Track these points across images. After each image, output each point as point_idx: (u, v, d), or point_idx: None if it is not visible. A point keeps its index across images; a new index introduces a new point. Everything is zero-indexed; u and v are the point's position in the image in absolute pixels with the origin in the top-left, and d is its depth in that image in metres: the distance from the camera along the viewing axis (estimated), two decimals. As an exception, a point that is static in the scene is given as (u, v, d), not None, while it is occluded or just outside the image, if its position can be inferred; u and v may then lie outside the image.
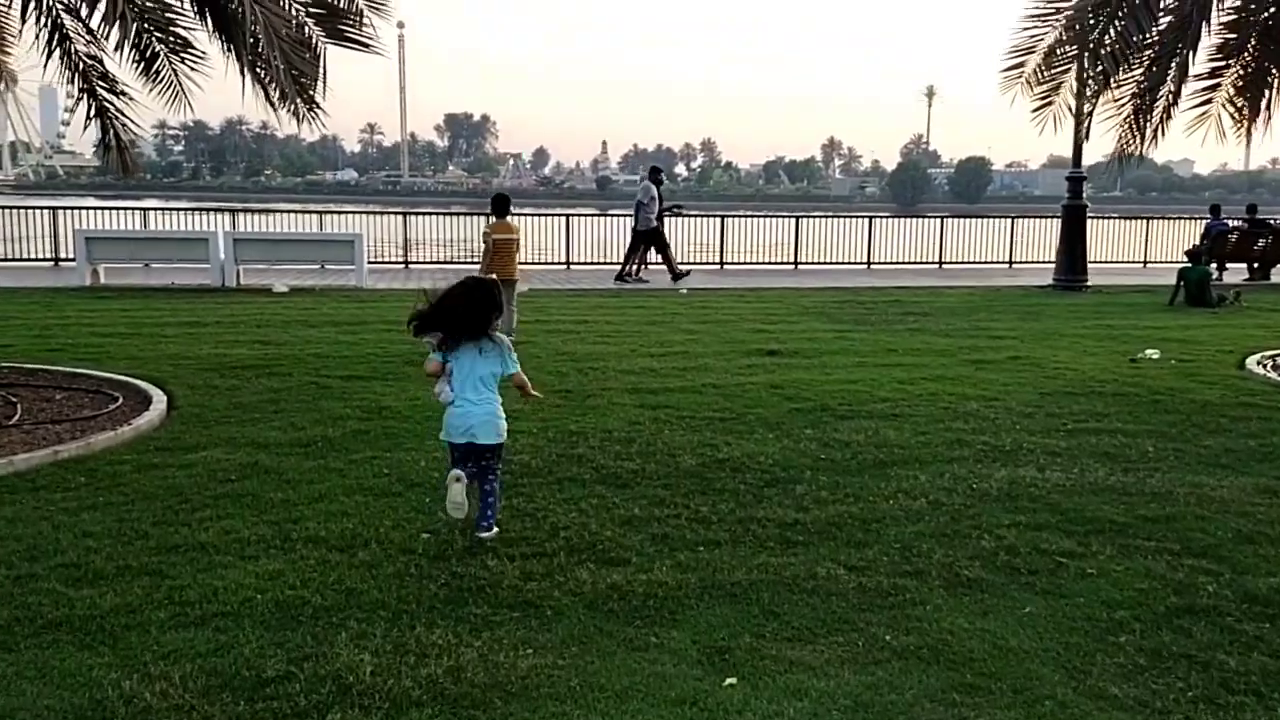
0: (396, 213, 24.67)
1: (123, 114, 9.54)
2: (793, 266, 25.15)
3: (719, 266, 24.77)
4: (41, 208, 22.75)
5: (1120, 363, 10.67)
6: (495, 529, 5.18)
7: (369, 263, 23.21)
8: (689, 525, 5.24)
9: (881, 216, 27.78)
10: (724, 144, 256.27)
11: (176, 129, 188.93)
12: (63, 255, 20.03)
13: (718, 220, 25.78)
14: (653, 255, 21.06)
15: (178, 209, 25.15)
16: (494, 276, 6.94)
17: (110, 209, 24.25)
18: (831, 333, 12.88)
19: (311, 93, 9.26)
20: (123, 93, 9.45)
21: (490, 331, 5.38)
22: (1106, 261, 25.99)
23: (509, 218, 11.87)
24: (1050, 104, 8.93)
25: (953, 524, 5.30)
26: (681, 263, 21.29)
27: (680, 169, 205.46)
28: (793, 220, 26.40)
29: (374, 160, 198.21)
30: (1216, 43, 9.36)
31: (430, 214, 25.06)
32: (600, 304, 15.91)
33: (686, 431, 7.27)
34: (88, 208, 23.47)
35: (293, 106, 8.99)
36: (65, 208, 22.89)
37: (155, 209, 24.40)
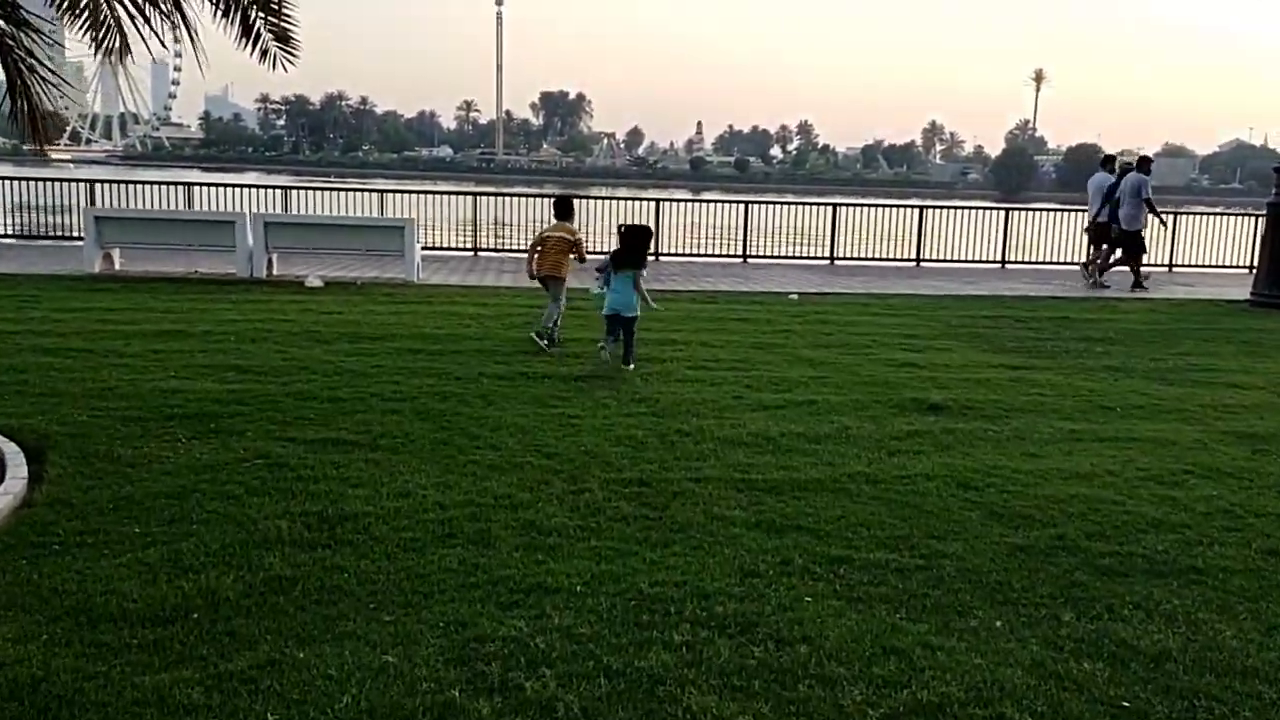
0: (462, 193, 21.88)
1: (29, 53, 6.76)
2: (915, 264, 21.72)
3: (830, 261, 21.47)
4: (78, 180, 20.53)
5: None
6: (634, 363, 8.90)
7: (435, 249, 20.64)
8: None
9: (1028, 209, 24.01)
10: (821, 127, 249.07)
11: (279, 103, 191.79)
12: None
13: (826, 210, 22.41)
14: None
15: (230, 185, 22.64)
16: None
17: (157, 183, 21.97)
18: (1003, 370, 9.56)
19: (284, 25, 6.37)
20: (25, 22, 6.66)
21: (641, 266, 9.14)
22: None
23: (569, 221, 10.97)
24: None
25: None
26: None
27: (775, 151, 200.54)
28: (914, 211, 22.87)
29: (470, 137, 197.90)
30: None
31: (495, 195, 22.18)
32: (691, 313, 12.80)
33: (842, 603, 4.13)
34: (132, 181, 21.17)
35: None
36: (103, 181, 20.65)
37: (215, 184, 22.03)
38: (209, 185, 21.54)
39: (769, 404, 7.73)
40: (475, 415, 7.02)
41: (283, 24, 6.29)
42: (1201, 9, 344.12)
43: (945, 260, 21.91)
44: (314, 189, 22.44)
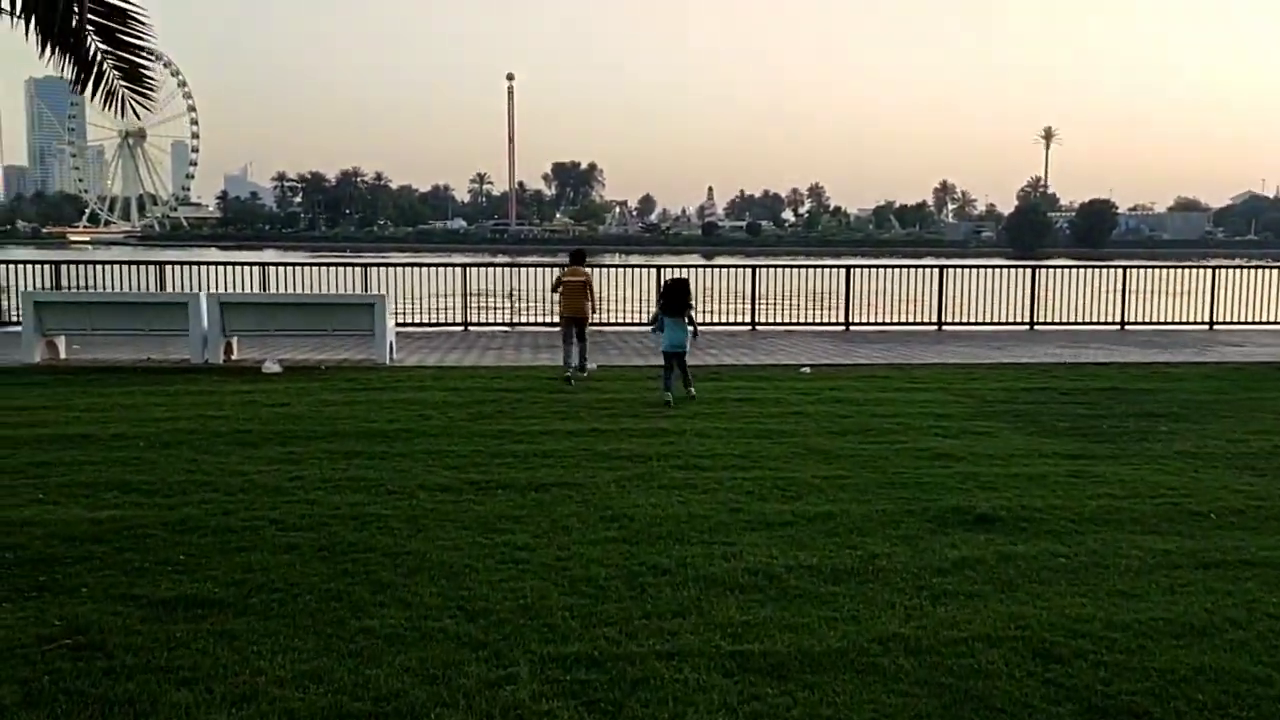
0: (449, 265, 20.54)
1: None
2: (937, 329, 20.21)
3: (844, 328, 19.99)
4: (41, 262, 19.32)
5: None
6: (693, 389, 10.96)
7: (422, 325, 19.29)
8: None
9: (1052, 267, 22.52)
10: (832, 189, 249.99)
11: (295, 180, 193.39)
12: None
13: (840, 272, 20.97)
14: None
15: (212, 263, 21.37)
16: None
17: (125, 263, 20.77)
18: (1059, 461, 7.95)
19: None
20: None
21: (687, 311, 11.21)
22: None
23: (583, 266, 13.22)
24: None
25: None
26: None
27: (787, 214, 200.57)
28: (933, 271, 21.37)
29: (484, 209, 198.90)
30: None
31: (486, 265, 20.92)
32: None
33: None
34: (96, 262, 19.99)
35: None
36: (66, 262, 19.43)
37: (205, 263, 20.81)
38: (186, 264, 20.32)
39: (774, 519, 6.15)
40: (394, 549, 5.46)
41: (133, 59, 4.90)
42: (1208, 67, 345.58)
43: (969, 324, 20.41)
44: (307, 265, 21.19)
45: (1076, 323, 20.96)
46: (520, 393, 11.20)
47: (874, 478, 7.29)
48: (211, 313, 13.38)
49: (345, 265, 20.49)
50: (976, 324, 20.35)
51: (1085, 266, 22.93)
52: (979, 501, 6.51)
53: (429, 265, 20.90)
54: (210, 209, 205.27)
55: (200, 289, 17.80)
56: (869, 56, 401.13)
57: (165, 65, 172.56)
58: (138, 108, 4.98)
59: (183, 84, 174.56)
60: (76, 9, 4.63)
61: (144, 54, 4.87)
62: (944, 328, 20.20)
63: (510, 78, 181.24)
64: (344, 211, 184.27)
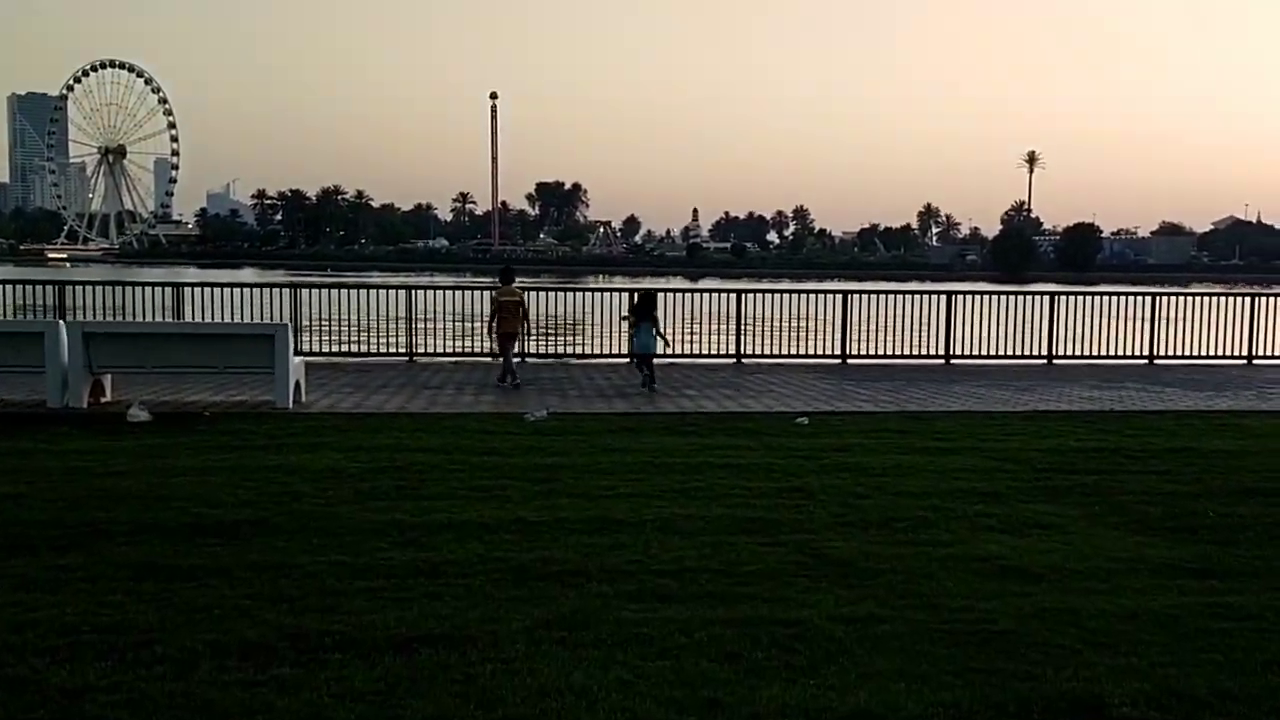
0: (401, 287, 17.99)
1: None
2: (944, 362, 17.85)
3: (840, 360, 17.60)
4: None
5: None
6: (657, 385, 12.90)
7: (367, 356, 16.85)
8: None
9: (1066, 293, 20.00)
10: (817, 212, 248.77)
11: (275, 198, 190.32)
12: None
13: (834, 299, 18.49)
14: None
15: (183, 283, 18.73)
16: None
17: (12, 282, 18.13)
18: (1185, 583, 5.47)
19: None
20: None
21: (653, 316, 13.35)
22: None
23: (514, 285, 13.83)
24: None
25: None
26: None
27: (772, 236, 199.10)
28: (937, 298, 18.91)
29: (467, 229, 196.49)
30: None
31: (436, 288, 18.45)
32: (656, 454, 8.76)
33: None
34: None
35: None
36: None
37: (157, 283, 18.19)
38: (96, 284, 17.68)
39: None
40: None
41: None
42: (1190, 91, 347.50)
43: (979, 356, 18.01)
44: (231, 286, 18.62)
45: (1100, 356, 18.60)
46: (439, 455, 8.67)
47: (921, 620, 4.80)
48: (73, 345, 10.82)
49: (279, 287, 17.96)
50: (988, 357, 17.98)
51: (1081, 293, 20.16)
52: (1101, 678, 4.03)
53: (372, 288, 18.47)
54: (190, 226, 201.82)
55: (111, 314, 15.32)
56: (854, 80, 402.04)
57: (146, 82, 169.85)
58: None
59: (164, 100, 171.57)
60: None
61: None
62: (952, 361, 17.83)
63: (494, 97, 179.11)
64: (324, 230, 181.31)
